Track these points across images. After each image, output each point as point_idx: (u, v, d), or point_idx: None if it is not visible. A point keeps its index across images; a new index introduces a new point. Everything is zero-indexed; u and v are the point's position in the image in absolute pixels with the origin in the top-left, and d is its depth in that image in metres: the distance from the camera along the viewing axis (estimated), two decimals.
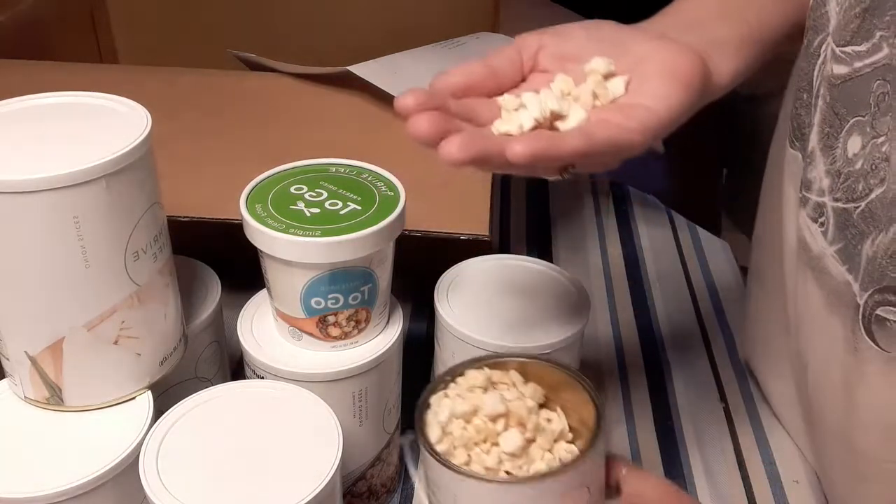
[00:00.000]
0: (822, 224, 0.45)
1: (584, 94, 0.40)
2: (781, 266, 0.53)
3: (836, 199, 0.44)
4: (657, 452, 0.59)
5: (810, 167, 0.46)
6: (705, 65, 0.42)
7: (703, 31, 0.44)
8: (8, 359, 0.42)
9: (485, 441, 0.44)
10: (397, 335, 0.49)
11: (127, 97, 0.43)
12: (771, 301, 0.57)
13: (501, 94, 0.41)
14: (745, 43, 0.45)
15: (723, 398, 0.64)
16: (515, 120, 0.39)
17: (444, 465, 0.41)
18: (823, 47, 0.45)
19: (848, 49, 0.42)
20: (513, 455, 0.42)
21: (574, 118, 0.39)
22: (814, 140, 0.46)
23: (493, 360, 0.48)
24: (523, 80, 0.42)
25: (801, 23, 0.49)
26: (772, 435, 0.61)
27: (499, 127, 0.39)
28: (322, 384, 0.46)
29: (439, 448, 0.43)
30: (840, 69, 0.43)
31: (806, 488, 0.56)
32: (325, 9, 0.95)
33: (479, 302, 0.53)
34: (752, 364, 0.65)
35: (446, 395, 0.46)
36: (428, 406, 0.46)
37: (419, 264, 0.55)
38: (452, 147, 0.34)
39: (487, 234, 0.57)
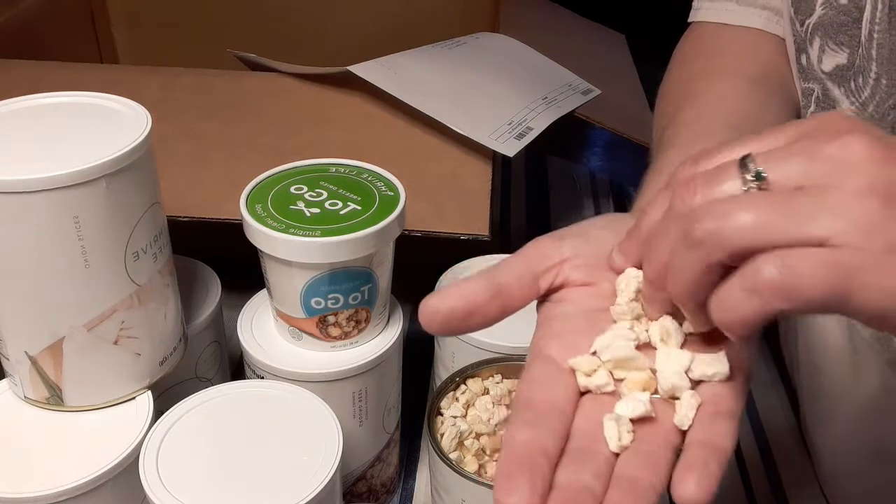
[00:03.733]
0: None
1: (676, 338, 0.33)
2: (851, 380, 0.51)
3: None
4: None
5: None
6: None
7: None
8: (8, 359, 0.42)
9: (497, 451, 0.44)
10: (397, 335, 0.49)
11: (127, 97, 0.43)
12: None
13: (506, 316, 0.34)
14: None
15: None
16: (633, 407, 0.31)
17: (455, 471, 0.42)
18: None
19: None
20: None
21: (687, 403, 0.31)
22: None
23: (503, 363, 0.49)
24: (544, 295, 0.35)
25: None
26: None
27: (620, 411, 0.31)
28: (322, 384, 0.46)
29: (452, 456, 0.43)
30: None
31: None
32: (324, 9, 0.95)
33: None
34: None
35: (456, 399, 0.47)
36: (438, 410, 0.46)
37: (419, 264, 0.55)
38: None
39: (487, 234, 0.57)
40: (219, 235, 0.53)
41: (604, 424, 0.30)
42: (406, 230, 0.47)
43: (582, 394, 0.32)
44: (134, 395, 0.44)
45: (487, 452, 0.45)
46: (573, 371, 0.32)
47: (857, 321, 0.28)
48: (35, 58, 0.76)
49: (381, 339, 0.49)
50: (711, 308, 0.28)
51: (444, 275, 0.56)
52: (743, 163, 0.28)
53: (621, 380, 0.32)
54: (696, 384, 0.31)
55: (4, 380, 0.44)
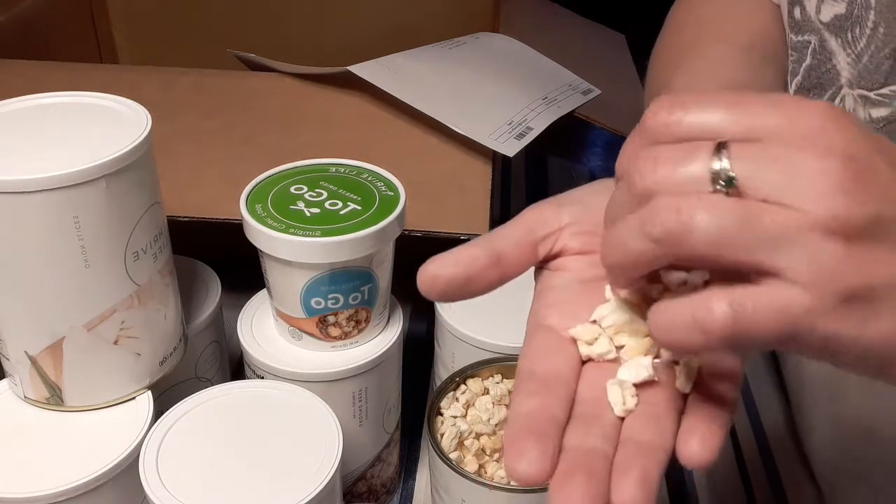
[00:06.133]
0: None
1: None
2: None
3: None
4: None
5: None
6: None
7: None
8: (8, 359, 0.42)
9: (497, 451, 0.44)
10: (397, 335, 0.49)
11: (127, 97, 0.43)
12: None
13: (504, 282, 0.34)
14: None
15: None
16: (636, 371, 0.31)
17: (455, 471, 0.42)
18: (838, 101, 0.46)
19: (885, 91, 0.43)
20: None
21: (688, 366, 0.31)
22: None
23: (503, 363, 0.49)
24: (542, 260, 0.35)
25: None
26: None
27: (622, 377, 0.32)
28: (322, 384, 0.46)
29: (452, 456, 0.43)
30: (879, 112, 0.44)
31: None
32: (325, 9, 0.95)
33: (479, 302, 0.53)
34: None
35: (456, 399, 0.47)
36: (438, 410, 0.46)
37: (419, 264, 0.55)
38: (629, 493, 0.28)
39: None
40: (219, 235, 0.53)
41: (607, 390, 0.31)
42: (406, 230, 0.47)
43: (583, 363, 0.32)
44: (134, 395, 0.44)
45: (487, 452, 0.45)
46: (574, 341, 0.32)
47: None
48: (35, 58, 0.76)
49: (381, 339, 0.49)
50: (653, 321, 0.27)
51: None
52: (718, 152, 0.26)
53: (622, 347, 0.32)
54: None
55: (4, 380, 0.44)
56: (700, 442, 0.28)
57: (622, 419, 0.30)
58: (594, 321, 0.33)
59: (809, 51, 0.48)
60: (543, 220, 0.35)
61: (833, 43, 0.46)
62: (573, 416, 0.30)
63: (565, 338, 0.33)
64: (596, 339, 0.32)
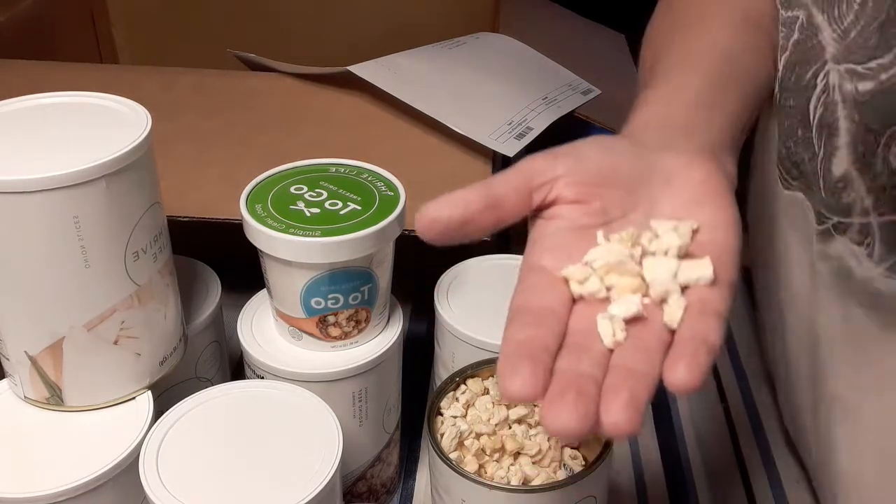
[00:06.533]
0: (867, 245, 0.45)
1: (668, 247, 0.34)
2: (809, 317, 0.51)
3: (882, 214, 0.44)
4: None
5: (846, 191, 0.46)
6: (727, 172, 0.39)
7: (702, 138, 0.41)
8: (8, 359, 0.42)
9: (497, 451, 0.44)
10: (397, 335, 0.49)
11: (127, 97, 0.43)
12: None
13: (499, 227, 0.35)
14: (736, 140, 0.43)
15: (723, 399, 0.64)
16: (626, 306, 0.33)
17: (455, 471, 0.42)
18: (821, 77, 0.46)
19: (872, 64, 0.43)
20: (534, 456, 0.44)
21: (676, 304, 0.32)
22: (845, 163, 0.46)
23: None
24: (536, 208, 0.36)
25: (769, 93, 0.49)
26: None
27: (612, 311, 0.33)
28: (322, 384, 0.46)
29: (452, 456, 0.43)
30: (865, 85, 0.43)
31: None
32: (325, 9, 0.95)
33: (479, 302, 0.53)
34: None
35: (456, 399, 0.47)
36: (438, 410, 0.46)
37: (419, 264, 0.55)
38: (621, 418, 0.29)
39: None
40: (219, 235, 0.53)
41: (598, 323, 0.32)
42: (406, 230, 0.47)
43: (575, 301, 0.34)
44: (134, 395, 0.44)
45: (487, 452, 0.45)
46: (566, 280, 0.34)
47: None
48: (35, 58, 0.76)
49: (381, 339, 0.49)
50: None
51: (443, 275, 0.56)
52: None
53: (611, 288, 0.33)
54: (683, 289, 0.33)
55: (4, 380, 0.44)
56: (686, 367, 0.29)
57: (611, 351, 0.31)
58: (586, 263, 0.34)
59: (797, 26, 0.48)
60: (539, 169, 0.36)
61: (819, 18, 0.46)
62: (564, 345, 0.31)
63: (558, 277, 0.34)
64: (587, 278, 0.33)
